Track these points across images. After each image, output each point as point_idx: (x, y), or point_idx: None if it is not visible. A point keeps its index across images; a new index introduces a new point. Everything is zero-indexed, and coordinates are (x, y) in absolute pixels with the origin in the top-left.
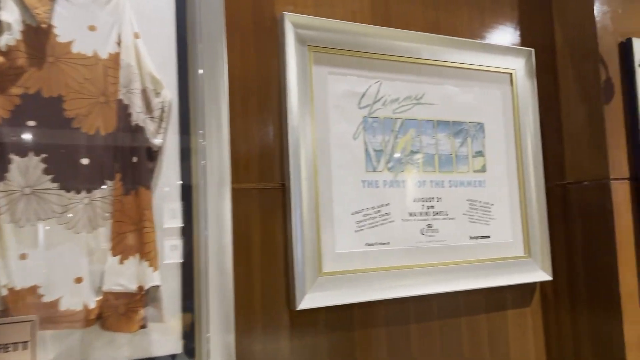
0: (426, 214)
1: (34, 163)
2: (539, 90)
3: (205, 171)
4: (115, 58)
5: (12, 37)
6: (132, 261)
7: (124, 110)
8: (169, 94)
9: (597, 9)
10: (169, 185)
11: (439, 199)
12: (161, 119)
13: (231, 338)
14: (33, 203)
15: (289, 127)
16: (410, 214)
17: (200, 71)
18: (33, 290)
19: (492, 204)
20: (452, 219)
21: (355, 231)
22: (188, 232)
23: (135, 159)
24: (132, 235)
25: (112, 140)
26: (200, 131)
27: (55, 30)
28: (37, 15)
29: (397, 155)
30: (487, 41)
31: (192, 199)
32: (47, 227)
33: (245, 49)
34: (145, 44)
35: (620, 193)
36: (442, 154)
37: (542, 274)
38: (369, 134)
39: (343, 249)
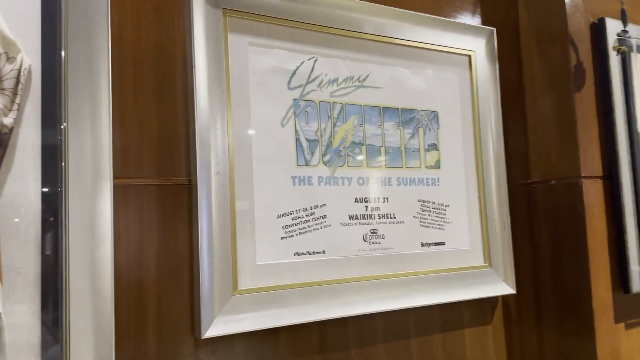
0: (370, 217)
1: None
2: (501, 76)
3: (68, 162)
4: None
5: None
6: None
7: None
8: (29, 60)
9: None
10: (24, 180)
11: (385, 200)
12: (14, 92)
13: None
14: None
15: (196, 109)
16: (351, 217)
17: (71, 33)
18: None
19: (447, 206)
20: (401, 222)
21: (282, 238)
22: (53, 242)
23: None
24: None
25: None
26: (67, 112)
27: None
28: None
29: (335, 146)
30: (442, 17)
31: (58, 199)
32: None
33: (139, 5)
34: None
35: (593, 193)
36: (389, 146)
37: (504, 287)
38: (301, 121)
39: (266, 260)
